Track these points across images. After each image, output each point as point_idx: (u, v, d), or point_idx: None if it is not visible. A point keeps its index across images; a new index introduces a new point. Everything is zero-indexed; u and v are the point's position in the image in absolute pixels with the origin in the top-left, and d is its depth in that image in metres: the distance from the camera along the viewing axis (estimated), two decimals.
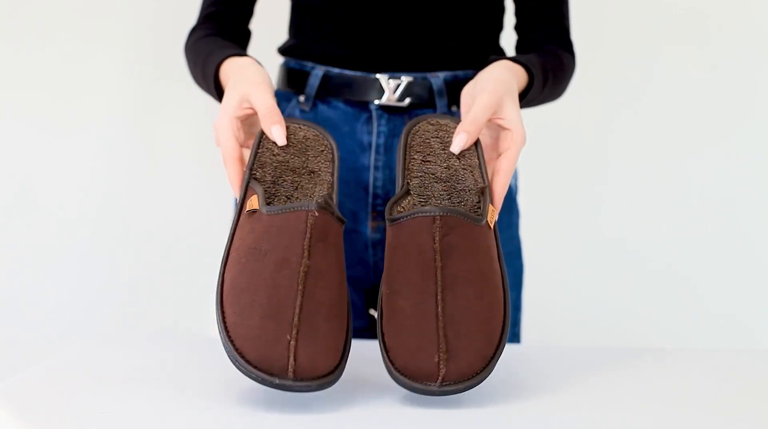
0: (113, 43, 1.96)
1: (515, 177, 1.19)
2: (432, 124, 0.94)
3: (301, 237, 0.76)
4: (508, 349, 1.06)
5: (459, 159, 0.89)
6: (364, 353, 0.99)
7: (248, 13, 1.18)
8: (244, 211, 0.82)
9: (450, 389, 0.74)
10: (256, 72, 0.95)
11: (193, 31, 1.15)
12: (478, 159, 0.88)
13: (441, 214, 0.78)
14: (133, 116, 1.97)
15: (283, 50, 1.18)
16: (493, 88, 0.89)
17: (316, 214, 0.77)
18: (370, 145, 1.11)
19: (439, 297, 0.75)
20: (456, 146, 0.87)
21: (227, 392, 0.82)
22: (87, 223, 1.99)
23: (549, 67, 1.05)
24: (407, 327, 0.75)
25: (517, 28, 1.16)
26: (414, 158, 0.90)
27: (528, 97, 1.01)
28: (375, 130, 1.11)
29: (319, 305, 0.75)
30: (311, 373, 0.72)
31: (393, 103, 1.10)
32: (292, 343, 0.72)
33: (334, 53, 1.12)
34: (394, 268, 0.79)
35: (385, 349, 0.77)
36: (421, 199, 0.87)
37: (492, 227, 0.82)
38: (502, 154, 0.88)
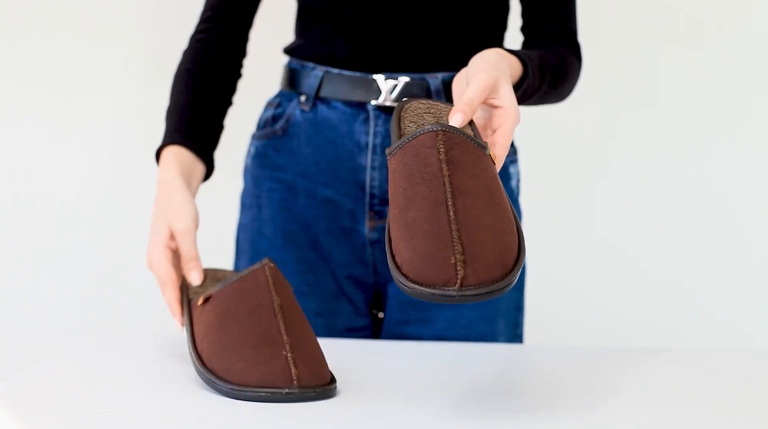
0: (114, 42, 1.95)
1: (517, 179, 1.19)
2: (423, 103, 0.93)
3: (265, 285, 0.85)
4: (510, 349, 1.06)
5: None
6: (364, 353, 0.99)
7: (246, 23, 1.18)
8: (197, 308, 0.91)
9: (470, 294, 0.68)
10: (182, 205, 1.02)
11: (189, 46, 1.18)
12: (473, 131, 0.85)
13: (446, 129, 0.76)
14: (134, 116, 1.97)
15: (287, 50, 1.19)
16: (487, 70, 0.87)
17: (270, 264, 0.87)
18: (367, 145, 1.11)
19: (449, 203, 0.72)
20: (456, 122, 0.83)
21: None
22: (87, 222, 1.99)
23: (547, 63, 1.04)
24: (418, 235, 0.71)
25: (523, 29, 1.16)
26: (408, 126, 0.88)
27: (524, 90, 0.99)
28: (372, 131, 1.11)
29: (301, 325, 0.84)
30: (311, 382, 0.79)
31: (390, 103, 1.10)
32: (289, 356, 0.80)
33: (333, 54, 1.12)
34: (400, 187, 0.75)
35: (397, 267, 0.72)
36: None
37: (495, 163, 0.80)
38: (497, 130, 0.85)
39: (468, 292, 0.68)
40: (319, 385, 0.79)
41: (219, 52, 1.16)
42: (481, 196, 0.74)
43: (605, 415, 0.76)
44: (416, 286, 0.69)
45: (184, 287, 0.98)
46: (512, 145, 1.18)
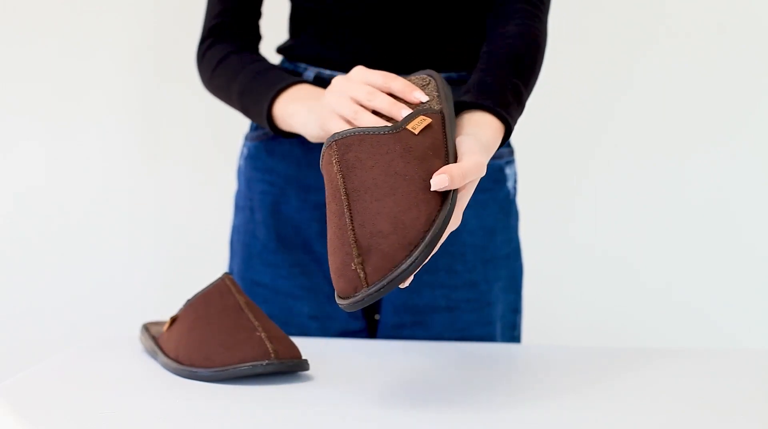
0: (114, 41, 1.95)
1: (514, 179, 1.19)
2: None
3: (228, 291, 0.93)
4: (508, 348, 1.06)
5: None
6: (362, 353, 0.99)
7: (256, 15, 1.16)
8: (163, 335, 0.95)
9: (374, 290, 0.71)
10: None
11: (208, 47, 1.12)
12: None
13: (338, 137, 0.79)
14: (134, 115, 1.97)
15: (280, 50, 1.18)
16: (483, 153, 0.84)
17: (230, 276, 0.95)
18: None
19: (345, 209, 0.75)
20: (436, 185, 0.76)
21: (227, 392, 0.82)
22: (87, 222, 1.99)
23: (523, 89, 0.97)
24: (331, 252, 0.76)
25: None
26: None
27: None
28: None
29: (266, 318, 0.93)
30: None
31: None
32: None
33: (326, 55, 1.12)
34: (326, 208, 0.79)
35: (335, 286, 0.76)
36: None
37: (418, 132, 0.79)
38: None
39: (372, 290, 0.71)
40: (295, 357, 0.86)
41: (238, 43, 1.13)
42: (381, 184, 0.76)
43: (604, 415, 0.77)
44: (340, 301, 0.74)
45: (147, 328, 1.01)
46: (509, 145, 1.18)
